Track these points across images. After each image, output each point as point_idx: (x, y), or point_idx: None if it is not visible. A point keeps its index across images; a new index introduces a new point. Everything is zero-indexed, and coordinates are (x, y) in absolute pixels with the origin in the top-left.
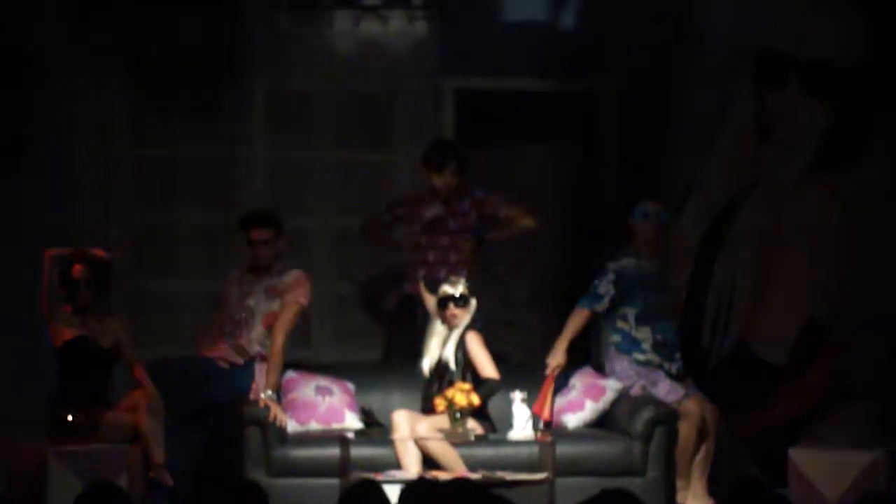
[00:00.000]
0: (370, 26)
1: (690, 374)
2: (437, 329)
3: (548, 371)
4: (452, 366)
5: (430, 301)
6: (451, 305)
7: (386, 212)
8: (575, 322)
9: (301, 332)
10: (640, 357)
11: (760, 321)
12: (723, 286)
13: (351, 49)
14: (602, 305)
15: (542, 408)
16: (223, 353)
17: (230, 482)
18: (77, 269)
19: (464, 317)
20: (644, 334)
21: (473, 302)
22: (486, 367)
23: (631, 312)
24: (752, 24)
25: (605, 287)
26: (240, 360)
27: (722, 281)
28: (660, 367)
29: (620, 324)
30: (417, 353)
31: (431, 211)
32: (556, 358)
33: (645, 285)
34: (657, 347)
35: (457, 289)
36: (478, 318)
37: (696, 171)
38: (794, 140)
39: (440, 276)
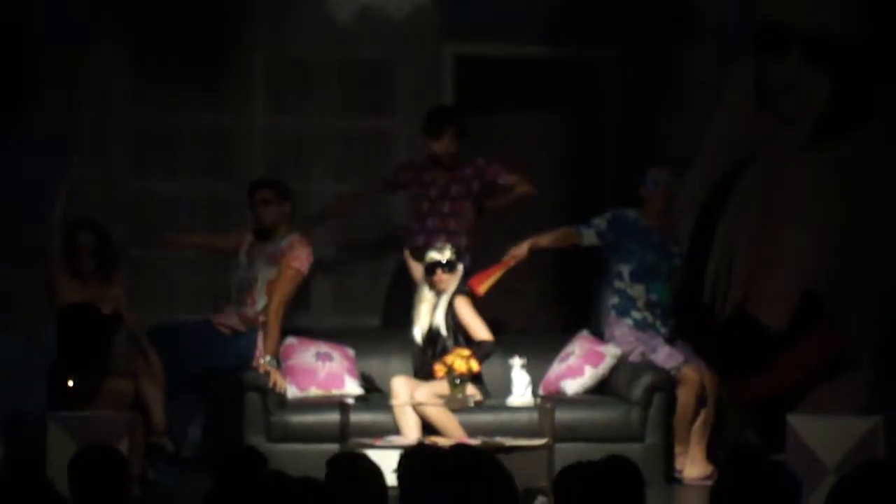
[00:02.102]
0: None
1: (689, 341)
2: (426, 296)
3: (506, 257)
4: (443, 332)
5: (417, 269)
6: (439, 271)
7: (392, 175)
8: (556, 231)
9: (301, 299)
10: (637, 315)
11: (760, 289)
12: (722, 254)
13: (351, 16)
14: (588, 233)
15: (480, 282)
16: (227, 319)
17: (230, 448)
18: (80, 236)
19: (451, 282)
20: (638, 292)
21: (461, 267)
22: (479, 330)
23: (626, 269)
24: None
25: (598, 221)
26: (242, 328)
27: (722, 249)
28: (653, 327)
29: (617, 283)
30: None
31: (432, 178)
32: (519, 249)
33: (642, 241)
34: (650, 306)
35: (443, 254)
36: (464, 283)
37: (696, 141)
38: (794, 111)
39: (439, 242)
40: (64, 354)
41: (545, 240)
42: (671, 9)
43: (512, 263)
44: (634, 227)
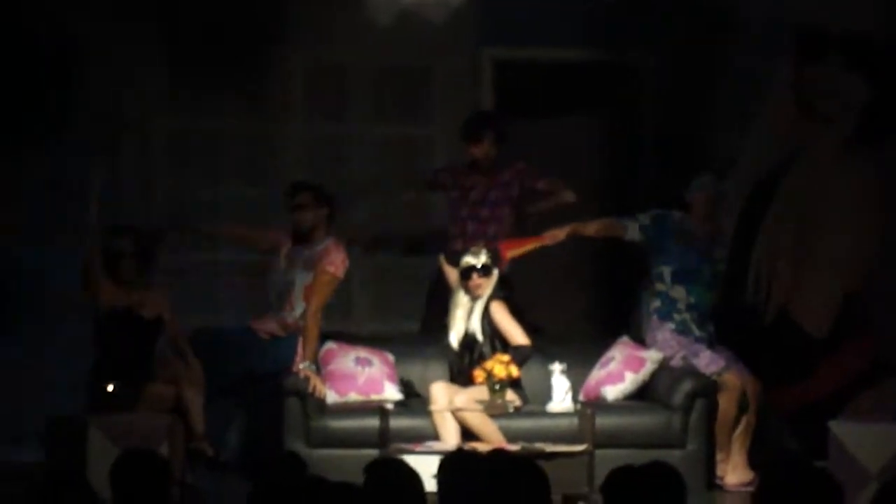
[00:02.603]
0: None
1: (731, 345)
2: (461, 301)
3: (545, 234)
4: (480, 337)
5: (452, 274)
6: (474, 275)
7: (433, 175)
8: (600, 221)
9: (341, 304)
10: (678, 317)
11: (801, 294)
12: (764, 258)
13: (389, 21)
14: (632, 226)
15: (510, 247)
16: (266, 324)
17: (270, 453)
18: (119, 241)
19: (487, 286)
20: (679, 294)
21: (496, 271)
22: (516, 335)
23: (667, 270)
24: None
25: (643, 217)
26: (282, 333)
27: (763, 253)
28: (691, 330)
29: (658, 285)
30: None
31: (472, 182)
32: (559, 231)
33: (684, 243)
34: (690, 309)
35: (479, 258)
36: (501, 287)
37: (736, 144)
38: (833, 114)
39: (476, 247)
40: (105, 359)
41: (588, 228)
42: (711, 11)
43: (547, 242)
44: (677, 228)
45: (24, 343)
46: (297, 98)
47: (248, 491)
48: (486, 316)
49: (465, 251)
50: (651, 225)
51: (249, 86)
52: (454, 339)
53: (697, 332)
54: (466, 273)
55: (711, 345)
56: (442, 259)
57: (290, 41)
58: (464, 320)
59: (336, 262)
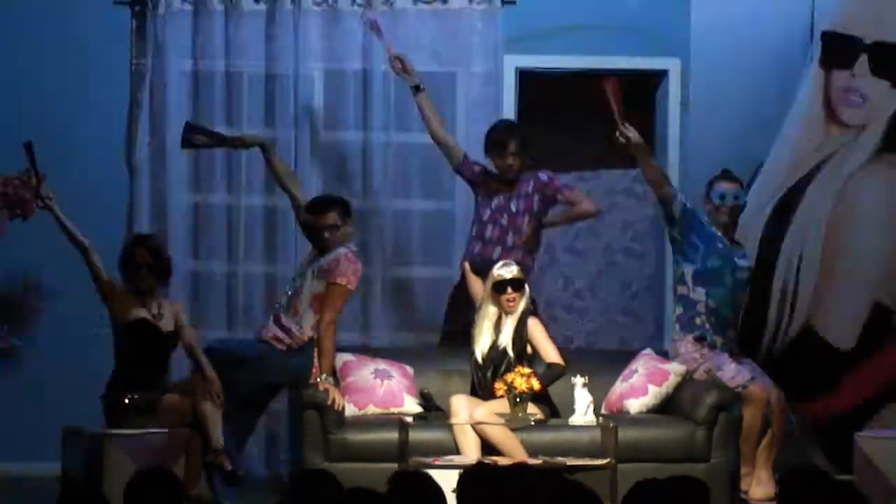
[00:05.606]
0: (430, 4)
1: (755, 358)
2: (489, 313)
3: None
4: (510, 352)
5: (477, 285)
6: (510, 290)
7: (472, 162)
8: (659, 167)
9: (360, 316)
10: (698, 321)
11: (827, 306)
12: (789, 269)
13: (410, 28)
14: (679, 196)
15: (614, 87)
16: (278, 333)
17: (289, 466)
18: (138, 252)
19: (521, 301)
20: (699, 296)
21: (527, 286)
22: (550, 353)
23: (689, 271)
24: (820, 5)
25: (685, 201)
26: (294, 345)
27: (788, 264)
28: (711, 335)
29: (680, 288)
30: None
31: (495, 188)
32: (634, 131)
33: (707, 244)
34: (709, 313)
35: (511, 271)
36: (534, 303)
37: (762, 153)
38: (861, 122)
39: (495, 255)
40: (122, 371)
41: (650, 164)
42: (737, 20)
43: (621, 128)
44: (705, 227)
45: (41, 354)
46: (317, 105)
47: None
48: (519, 331)
49: (487, 260)
50: (690, 210)
51: (268, 93)
52: (479, 351)
53: (716, 338)
54: (501, 288)
55: (733, 353)
56: (467, 266)
57: (309, 47)
58: (490, 333)
59: (348, 274)
